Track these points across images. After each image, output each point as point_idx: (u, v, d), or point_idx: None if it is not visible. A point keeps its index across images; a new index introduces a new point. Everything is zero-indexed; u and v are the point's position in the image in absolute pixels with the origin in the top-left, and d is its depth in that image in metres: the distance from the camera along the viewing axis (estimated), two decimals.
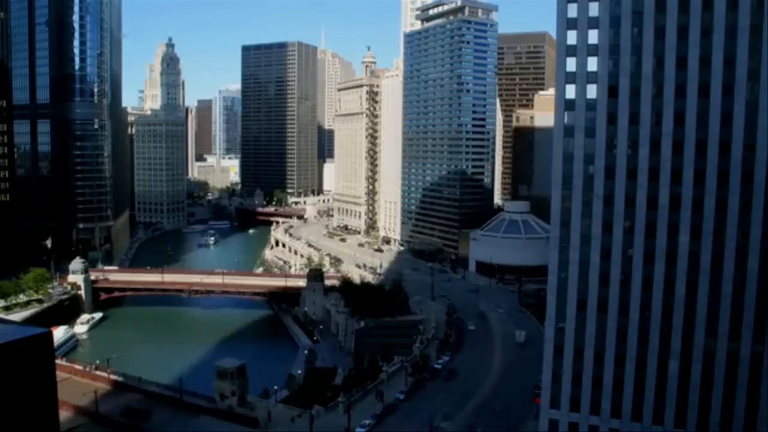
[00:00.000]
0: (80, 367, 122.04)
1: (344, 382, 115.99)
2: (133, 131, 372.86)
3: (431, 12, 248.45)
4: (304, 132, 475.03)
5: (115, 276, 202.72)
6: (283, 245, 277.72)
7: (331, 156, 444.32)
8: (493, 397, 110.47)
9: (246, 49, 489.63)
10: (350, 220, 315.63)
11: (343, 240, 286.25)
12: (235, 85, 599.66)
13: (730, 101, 73.70)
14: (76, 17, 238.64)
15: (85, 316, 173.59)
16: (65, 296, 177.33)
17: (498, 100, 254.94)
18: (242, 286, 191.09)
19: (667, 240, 77.49)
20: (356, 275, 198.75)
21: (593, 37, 79.52)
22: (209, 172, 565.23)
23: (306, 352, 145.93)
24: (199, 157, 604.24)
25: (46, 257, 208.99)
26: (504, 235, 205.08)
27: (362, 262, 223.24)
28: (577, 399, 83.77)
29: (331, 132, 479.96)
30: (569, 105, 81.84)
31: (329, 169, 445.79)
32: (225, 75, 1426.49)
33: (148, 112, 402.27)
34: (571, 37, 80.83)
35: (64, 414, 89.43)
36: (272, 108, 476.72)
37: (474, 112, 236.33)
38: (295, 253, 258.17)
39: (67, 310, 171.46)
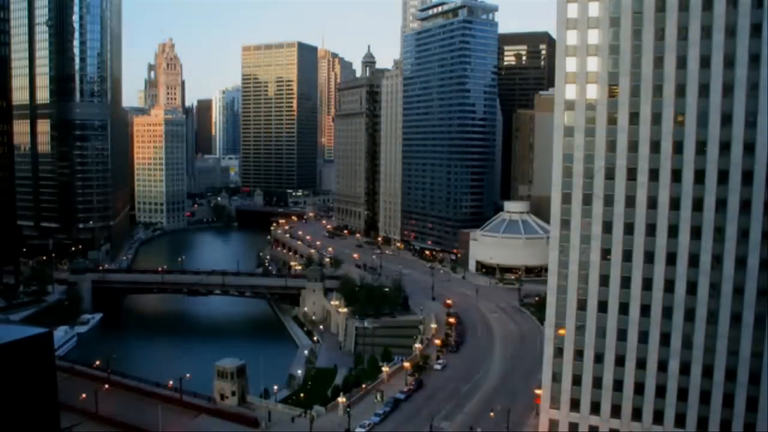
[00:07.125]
0: (80, 367, 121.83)
1: (344, 382, 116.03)
2: (133, 131, 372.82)
3: (431, 12, 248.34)
4: (303, 132, 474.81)
5: (115, 276, 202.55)
6: (283, 245, 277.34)
7: (331, 156, 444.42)
8: (493, 396, 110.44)
9: (246, 49, 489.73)
10: (350, 220, 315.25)
11: (343, 240, 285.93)
12: (235, 85, 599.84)
13: (730, 101, 73.74)
14: (76, 17, 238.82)
15: (85, 316, 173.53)
16: (65, 296, 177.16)
17: (498, 100, 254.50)
18: (242, 286, 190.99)
19: (667, 240, 77.51)
20: (356, 275, 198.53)
21: (593, 37, 79.64)
22: (209, 172, 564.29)
23: (306, 352, 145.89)
24: (199, 158, 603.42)
25: (46, 257, 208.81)
26: (504, 235, 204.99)
27: (362, 262, 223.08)
28: (577, 399, 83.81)
29: (330, 132, 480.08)
30: (569, 105, 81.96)
31: (329, 168, 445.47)
32: (225, 75, 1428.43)
33: (149, 112, 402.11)
34: (571, 37, 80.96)
35: (64, 414, 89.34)
36: (272, 108, 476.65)
37: (474, 112, 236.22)
38: (295, 253, 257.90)
39: (67, 310, 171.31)
